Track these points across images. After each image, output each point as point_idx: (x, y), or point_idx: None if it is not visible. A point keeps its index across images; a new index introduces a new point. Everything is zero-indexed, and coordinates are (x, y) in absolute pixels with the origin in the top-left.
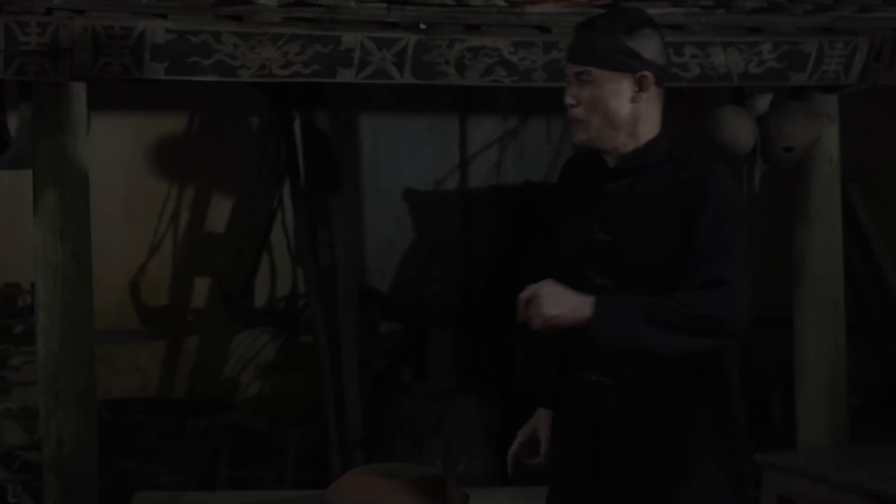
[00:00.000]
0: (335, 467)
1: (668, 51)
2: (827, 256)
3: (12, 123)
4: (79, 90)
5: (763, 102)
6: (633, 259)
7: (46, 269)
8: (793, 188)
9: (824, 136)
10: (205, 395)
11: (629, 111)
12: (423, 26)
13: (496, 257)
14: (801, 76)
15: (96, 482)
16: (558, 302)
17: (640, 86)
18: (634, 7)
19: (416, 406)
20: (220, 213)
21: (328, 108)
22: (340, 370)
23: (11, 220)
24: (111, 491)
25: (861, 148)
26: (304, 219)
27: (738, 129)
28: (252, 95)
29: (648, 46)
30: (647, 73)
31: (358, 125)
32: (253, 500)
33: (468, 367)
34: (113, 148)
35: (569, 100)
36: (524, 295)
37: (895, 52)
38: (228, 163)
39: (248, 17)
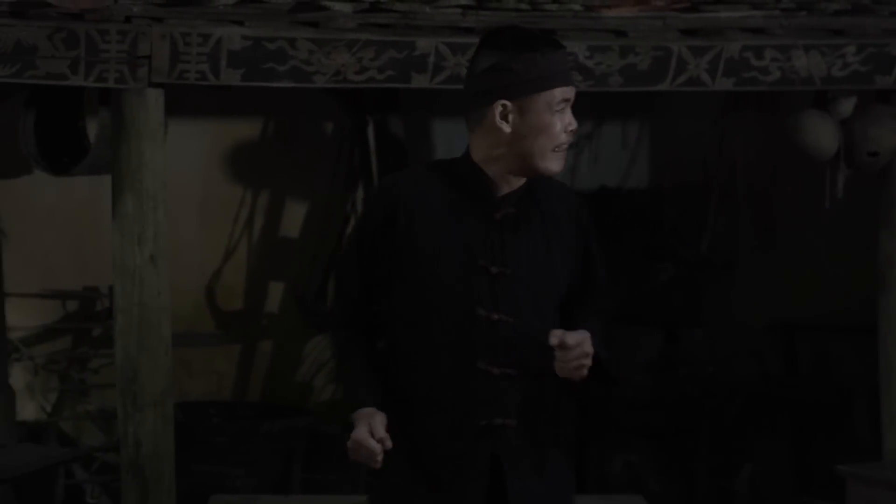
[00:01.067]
0: None
1: None
2: None
3: (91, 129)
4: (157, 96)
5: (847, 106)
6: (532, 292)
7: (124, 273)
8: (878, 193)
9: None
10: (279, 399)
11: None
12: None
13: None
14: (887, 79)
15: (173, 484)
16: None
17: None
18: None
19: None
20: (294, 217)
21: (402, 114)
22: None
23: (90, 225)
24: (187, 493)
25: None
26: None
27: (821, 134)
28: (326, 101)
29: None
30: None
31: (431, 130)
32: None
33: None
34: (189, 153)
35: (575, 124)
36: (573, 339)
37: None
38: (303, 168)
39: (323, 24)
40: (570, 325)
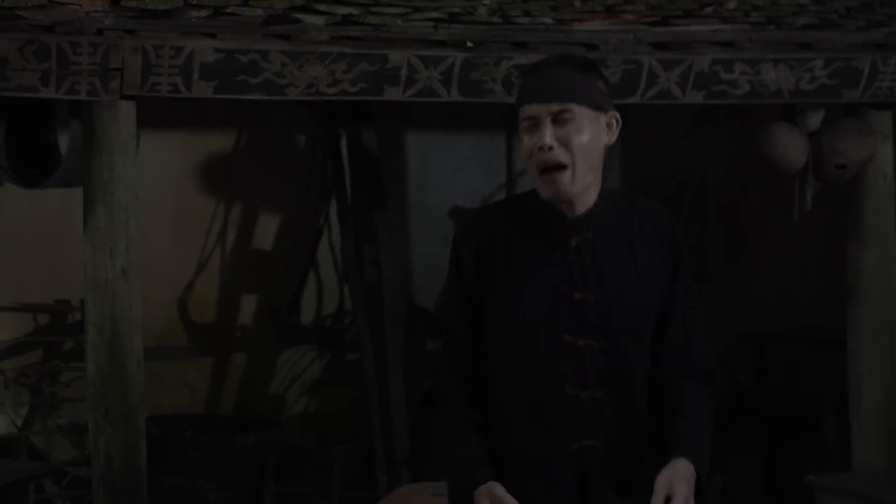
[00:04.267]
0: (382, 485)
1: None
2: (881, 275)
3: (63, 142)
4: (128, 109)
5: (815, 119)
6: (617, 318)
7: (96, 286)
8: (846, 206)
9: (878, 153)
10: (252, 412)
11: (601, 156)
12: (469, 44)
13: None
14: (854, 92)
15: (144, 498)
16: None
17: (610, 127)
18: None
19: None
20: (267, 230)
21: (375, 126)
22: (387, 388)
23: (61, 238)
24: None
25: None
26: (350, 236)
27: (789, 147)
28: (299, 114)
29: (607, 88)
30: (617, 114)
31: (404, 143)
32: None
33: None
34: (161, 166)
35: (548, 140)
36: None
37: None
38: (275, 180)
39: (295, 36)
40: (664, 400)
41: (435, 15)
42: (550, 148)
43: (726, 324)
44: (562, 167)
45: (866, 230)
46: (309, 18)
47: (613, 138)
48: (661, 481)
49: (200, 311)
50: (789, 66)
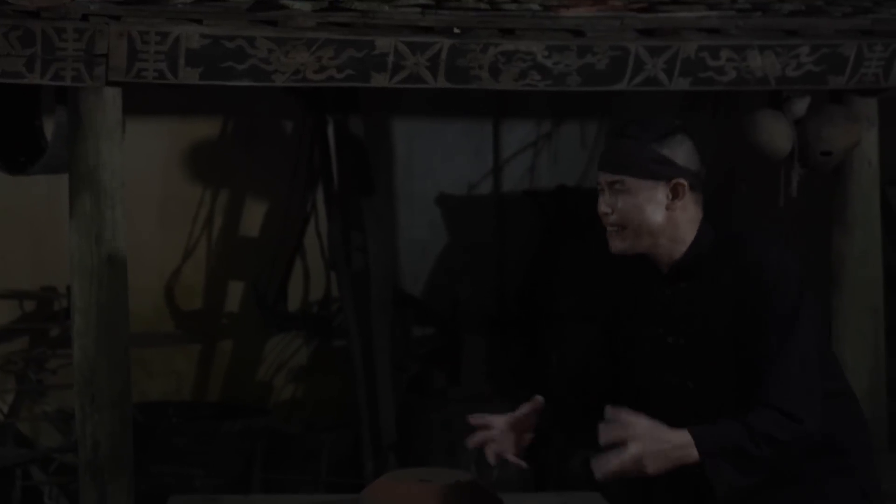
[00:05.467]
0: (368, 472)
1: (699, 156)
2: (866, 261)
3: (48, 128)
4: (114, 95)
5: (801, 106)
6: (708, 360)
7: (82, 272)
8: (831, 192)
9: (863, 140)
10: (239, 399)
11: (664, 218)
12: (456, 31)
13: (530, 261)
14: (840, 79)
15: (132, 485)
16: (660, 462)
17: (675, 193)
18: (666, 116)
19: (450, 411)
20: (254, 217)
21: (362, 113)
22: (374, 375)
23: (48, 225)
24: (146, 494)
25: None
26: (337, 223)
27: (775, 133)
28: (286, 100)
29: (681, 153)
30: (682, 181)
31: (391, 129)
32: None
33: (502, 371)
34: (148, 152)
35: (603, 208)
36: (627, 458)
37: None
38: (262, 167)
39: (282, 22)
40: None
41: (422, 1)
42: (605, 213)
43: None
44: (614, 230)
45: (851, 217)
46: (296, 4)
47: (681, 203)
48: (622, 414)
49: (187, 297)
50: (775, 52)
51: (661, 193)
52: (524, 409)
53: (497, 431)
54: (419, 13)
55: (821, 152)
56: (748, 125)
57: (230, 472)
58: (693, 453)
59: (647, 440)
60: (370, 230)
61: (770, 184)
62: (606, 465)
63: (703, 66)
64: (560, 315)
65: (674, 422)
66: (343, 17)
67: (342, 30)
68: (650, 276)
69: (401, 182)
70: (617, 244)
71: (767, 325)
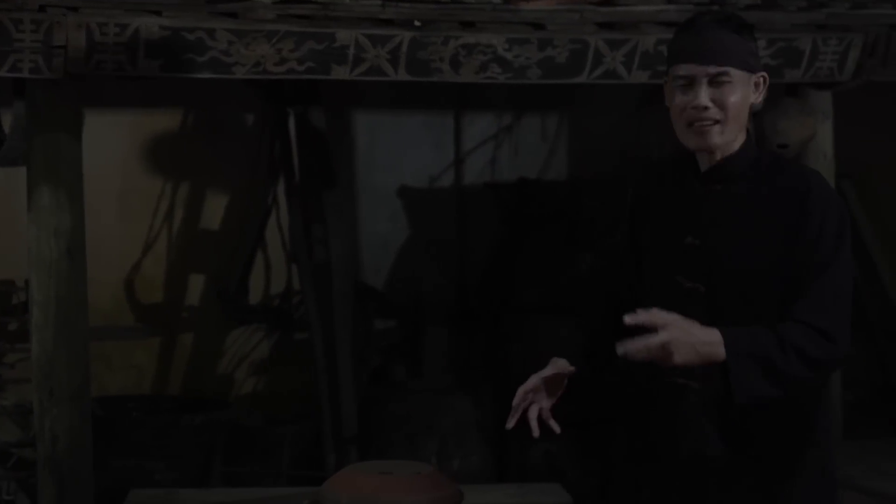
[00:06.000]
0: (330, 464)
1: None
2: None
3: (6, 120)
4: (73, 87)
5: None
6: (723, 265)
7: (41, 266)
8: None
9: (818, 133)
10: (200, 392)
11: (748, 113)
12: (417, 23)
13: (491, 254)
14: (796, 73)
15: (91, 479)
16: (687, 352)
17: (757, 87)
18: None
19: (411, 403)
20: (214, 210)
21: (323, 105)
22: (335, 367)
23: (5, 217)
24: (106, 488)
25: (855, 144)
26: (298, 216)
27: None
28: (247, 92)
29: (758, 48)
30: (765, 74)
31: (353, 122)
32: (248, 497)
33: (463, 364)
34: (107, 145)
35: (704, 101)
36: (654, 342)
37: (889, 49)
38: (223, 160)
39: (242, 14)
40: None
41: None
42: (706, 108)
43: None
44: (715, 123)
45: None
46: None
47: (760, 97)
48: (661, 315)
49: (147, 291)
50: None
51: (751, 87)
52: (550, 369)
53: (537, 394)
54: (380, 6)
55: (777, 145)
56: None
57: (191, 466)
58: (721, 352)
59: (676, 329)
60: (331, 223)
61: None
62: (633, 346)
63: (662, 59)
64: (521, 307)
65: None
66: (303, 10)
67: (302, 22)
68: (683, 174)
69: (362, 175)
70: (715, 139)
71: (813, 244)
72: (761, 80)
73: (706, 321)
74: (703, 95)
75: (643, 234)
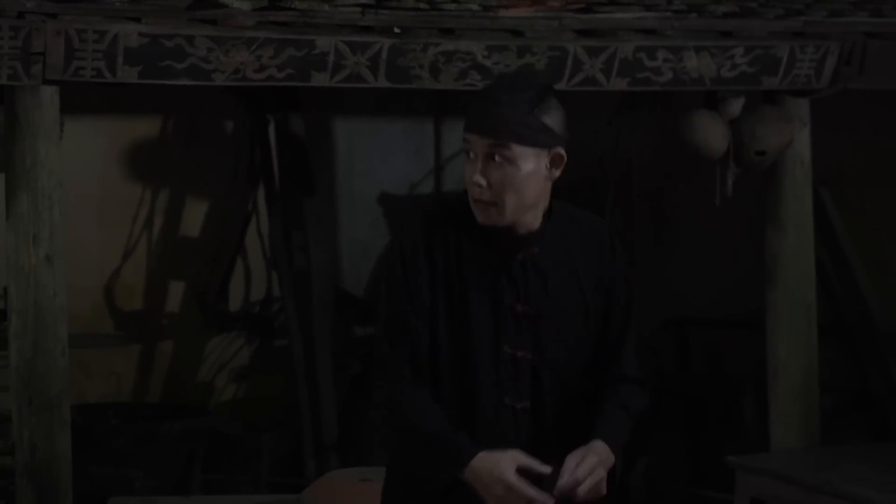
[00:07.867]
0: (310, 471)
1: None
2: (799, 259)
3: None
4: (52, 94)
5: (735, 106)
6: (555, 331)
7: (19, 273)
8: (765, 191)
9: (796, 140)
10: (179, 400)
11: (542, 189)
12: (397, 30)
13: None
14: (773, 80)
15: (70, 487)
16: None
17: (554, 163)
18: (538, 74)
19: None
20: (194, 217)
21: (303, 112)
22: (315, 374)
23: None
24: (85, 496)
25: (832, 151)
26: (278, 223)
27: (711, 133)
28: (226, 99)
29: (559, 120)
30: (561, 151)
31: (332, 129)
32: None
33: None
34: (86, 152)
35: (479, 179)
36: (584, 471)
37: (865, 56)
38: (203, 167)
39: (221, 21)
40: (594, 400)
41: (362, 0)
42: (479, 185)
43: (650, 309)
44: (490, 204)
45: (784, 215)
46: (235, 3)
47: (558, 173)
48: (575, 454)
49: (127, 298)
50: (711, 53)
51: (543, 164)
52: (511, 464)
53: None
54: (359, 13)
55: (755, 152)
56: (684, 125)
57: (170, 474)
58: (612, 459)
59: (600, 468)
60: (311, 230)
61: (706, 183)
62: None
63: (641, 67)
64: None
65: (506, 394)
66: (283, 17)
67: (282, 29)
68: (493, 238)
69: (342, 181)
70: (495, 219)
71: (621, 298)
72: (558, 155)
73: (533, 389)
74: (479, 172)
75: (449, 290)
